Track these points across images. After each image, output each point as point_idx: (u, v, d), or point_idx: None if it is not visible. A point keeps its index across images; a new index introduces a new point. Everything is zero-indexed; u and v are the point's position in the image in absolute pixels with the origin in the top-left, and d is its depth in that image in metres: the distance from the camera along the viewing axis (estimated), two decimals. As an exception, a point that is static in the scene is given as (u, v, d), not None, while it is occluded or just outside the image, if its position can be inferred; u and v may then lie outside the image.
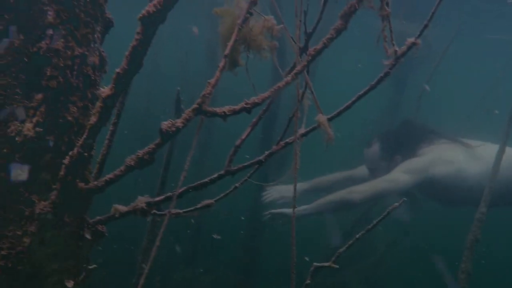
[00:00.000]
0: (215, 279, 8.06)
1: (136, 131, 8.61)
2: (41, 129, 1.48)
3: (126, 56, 1.21)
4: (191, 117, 1.41)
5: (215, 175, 1.88)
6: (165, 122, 1.38)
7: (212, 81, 1.43)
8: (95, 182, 1.44)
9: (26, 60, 1.48)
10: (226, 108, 1.47)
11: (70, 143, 1.54)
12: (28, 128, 1.46)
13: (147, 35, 1.18)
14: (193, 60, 8.82)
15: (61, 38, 1.49)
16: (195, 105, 1.41)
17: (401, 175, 5.35)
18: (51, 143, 1.50)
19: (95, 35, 1.60)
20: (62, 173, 1.37)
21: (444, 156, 5.52)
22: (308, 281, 2.79)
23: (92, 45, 1.59)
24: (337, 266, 2.81)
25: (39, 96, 1.49)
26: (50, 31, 1.49)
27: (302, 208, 5.13)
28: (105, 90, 1.24)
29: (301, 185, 5.70)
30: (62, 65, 1.49)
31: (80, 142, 1.33)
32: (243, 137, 1.97)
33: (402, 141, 5.68)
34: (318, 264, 2.84)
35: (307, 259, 2.76)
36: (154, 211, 1.89)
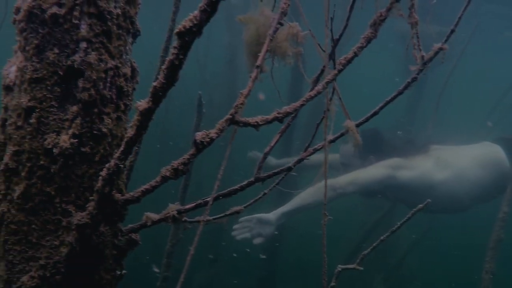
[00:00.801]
0: (236, 279, 8.09)
1: (155, 133, 8.66)
2: (77, 141, 1.51)
3: (162, 70, 1.23)
4: (224, 128, 1.42)
5: (245, 182, 1.90)
6: (199, 133, 1.40)
7: (245, 91, 1.44)
8: (131, 193, 1.47)
9: (61, 73, 1.50)
10: (258, 118, 1.48)
11: (104, 154, 1.57)
12: (64, 140, 1.49)
13: (184, 49, 1.20)
14: (211, 62, 8.87)
15: (96, 52, 1.51)
16: (228, 116, 1.43)
17: (379, 168, 5.48)
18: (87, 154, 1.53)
19: (127, 47, 1.63)
20: (99, 185, 1.40)
21: (410, 162, 5.64)
22: (333, 283, 2.81)
23: (124, 57, 1.61)
24: (362, 268, 2.82)
25: (74, 108, 1.51)
26: (83, 45, 1.51)
27: (281, 208, 5.11)
28: (142, 104, 1.26)
29: (278, 162, 5.87)
30: (95, 77, 1.51)
31: (117, 155, 1.35)
32: (272, 144, 1.98)
33: (380, 144, 5.84)
34: (343, 266, 2.85)
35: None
36: (185, 218, 1.92)
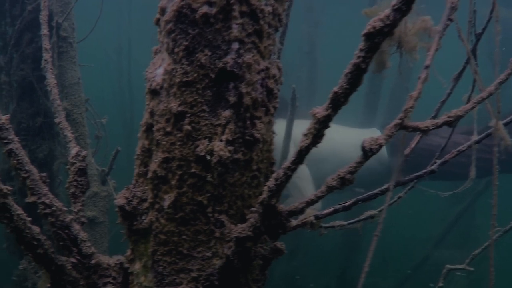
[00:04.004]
0: (318, 271, 8.05)
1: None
2: (232, 148, 1.43)
3: (345, 74, 1.13)
4: (393, 133, 1.32)
5: (385, 186, 1.80)
6: (368, 139, 1.30)
7: (414, 94, 1.33)
8: (296, 204, 1.38)
9: (213, 76, 1.42)
10: (428, 123, 1.37)
11: (257, 161, 1.49)
12: (220, 147, 1.41)
13: (372, 52, 1.09)
14: (287, 52, 8.79)
15: (249, 53, 1.43)
16: (397, 120, 1.32)
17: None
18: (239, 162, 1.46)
19: (275, 46, 1.54)
20: (264, 196, 1.31)
21: None
22: (440, 284, 2.69)
23: (272, 57, 1.52)
24: (472, 269, 2.69)
25: (227, 113, 1.43)
26: (235, 45, 1.43)
27: None
28: (319, 111, 1.16)
29: None
30: (255, 80, 1.43)
31: (287, 164, 1.26)
32: (413, 145, 1.87)
33: None
34: (451, 266, 2.73)
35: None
36: (322, 223, 1.83)
